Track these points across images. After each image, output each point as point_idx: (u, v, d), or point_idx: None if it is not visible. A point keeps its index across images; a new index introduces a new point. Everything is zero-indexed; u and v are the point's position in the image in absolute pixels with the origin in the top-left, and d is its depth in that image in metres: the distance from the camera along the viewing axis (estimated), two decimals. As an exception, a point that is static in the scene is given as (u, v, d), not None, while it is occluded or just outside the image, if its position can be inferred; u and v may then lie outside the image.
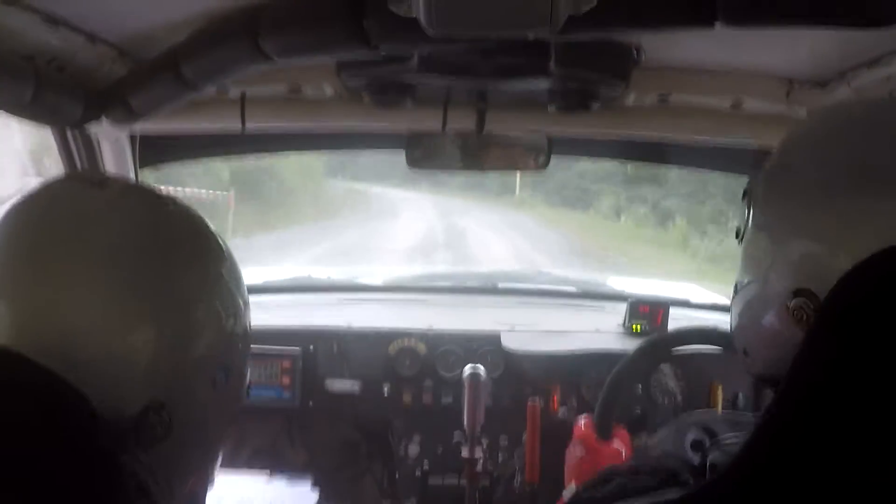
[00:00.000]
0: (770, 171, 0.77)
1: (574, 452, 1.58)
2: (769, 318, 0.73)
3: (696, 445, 1.40)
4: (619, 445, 1.57)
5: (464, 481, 1.73)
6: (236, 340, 0.78)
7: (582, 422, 1.62)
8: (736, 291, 0.81)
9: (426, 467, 1.97)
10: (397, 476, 2.00)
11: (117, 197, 0.73)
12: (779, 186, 0.74)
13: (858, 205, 0.66)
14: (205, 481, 0.82)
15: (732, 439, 0.82)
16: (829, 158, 0.70)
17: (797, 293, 0.68)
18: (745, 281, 0.79)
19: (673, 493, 0.70)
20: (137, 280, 0.68)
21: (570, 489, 1.52)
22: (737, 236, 0.83)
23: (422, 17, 0.91)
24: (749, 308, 0.78)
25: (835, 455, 0.57)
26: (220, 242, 0.79)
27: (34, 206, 0.71)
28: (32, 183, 0.75)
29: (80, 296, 0.66)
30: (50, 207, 0.70)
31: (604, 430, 1.56)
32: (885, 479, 0.56)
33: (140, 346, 0.67)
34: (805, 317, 0.67)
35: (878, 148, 0.68)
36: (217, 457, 0.83)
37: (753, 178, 0.80)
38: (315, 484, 1.72)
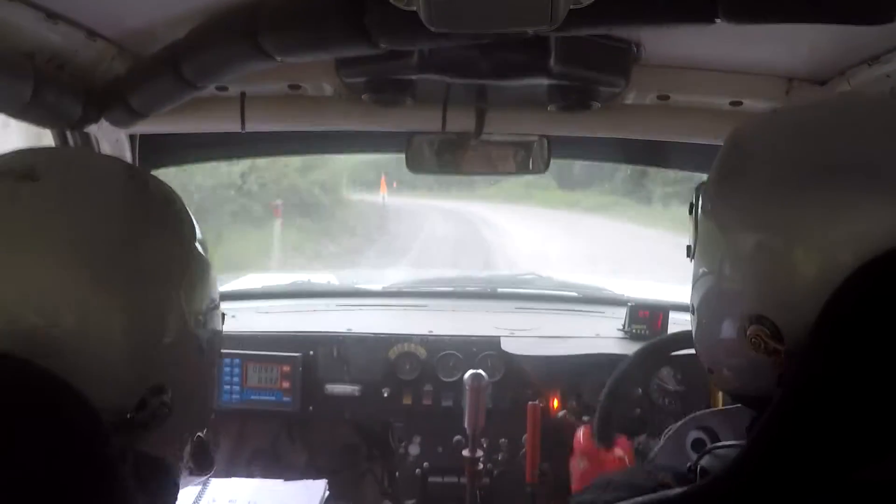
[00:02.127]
0: (723, 175, 0.75)
1: (578, 465, 1.58)
2: (728, 340, 0.73)
3: (697, 445, 1.39)
4: (621, 453, 1.57)
5: (464, 480, 1.73)
6: (215, 300, 0.79)
7: (581, 433, 1.61)
8: (692, 312, 0.81)
9: (426, 467, 1.96)
10: (397, 476, 1.99)
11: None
12: (735, 188, 0.73)
13: (820, 202, 0.65)
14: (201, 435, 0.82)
15: (725, 448, 0.81)
16: (791, 154, 0.69)
17: (754, 320, 0.68)
18: (699, 301, 0.78)
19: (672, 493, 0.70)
20: (110, 262, 0.67)
21: None
22: (688, 254, 0.83)
23: (422, 11, 0.91)
24: (707, 329, 0.78)
25: (827, 467, 0.58)
26: (186, 212, 0.78)
27: None
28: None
29: (53, 284, 0.64)
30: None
31: (604, 439, 1.55)
32: (878, 490, 0.57)
33: (126, 334, 0.67)
34: (763, 344, 0.67)
35: (844, 143, 0.67)
36: (209, 413, 0.84)
37: (701, 190, 0.79)
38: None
